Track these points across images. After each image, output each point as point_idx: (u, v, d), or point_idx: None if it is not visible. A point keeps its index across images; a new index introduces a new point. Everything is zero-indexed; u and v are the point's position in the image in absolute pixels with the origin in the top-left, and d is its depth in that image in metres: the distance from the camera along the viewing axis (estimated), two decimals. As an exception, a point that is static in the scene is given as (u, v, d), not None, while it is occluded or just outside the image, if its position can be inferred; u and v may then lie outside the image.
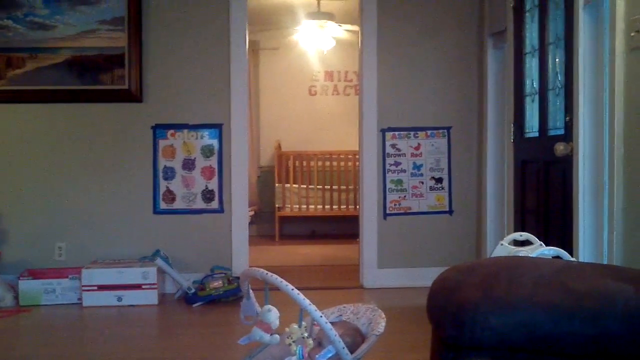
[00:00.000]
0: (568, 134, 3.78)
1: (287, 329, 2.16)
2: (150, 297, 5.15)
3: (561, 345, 1.93)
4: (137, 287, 5.14)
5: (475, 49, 5.71)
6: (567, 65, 3.83)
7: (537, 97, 4.35)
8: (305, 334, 2.14)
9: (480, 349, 1.99)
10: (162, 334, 4.69)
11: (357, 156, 6.60)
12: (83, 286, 5.12)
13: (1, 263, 5.42)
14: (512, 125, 4.68)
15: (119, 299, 5.13)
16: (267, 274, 2.11)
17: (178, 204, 5.62)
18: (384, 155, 5.70)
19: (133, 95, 5.53)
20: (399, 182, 5.70)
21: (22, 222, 5.55)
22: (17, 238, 5.53)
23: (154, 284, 5.16)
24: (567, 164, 3.78)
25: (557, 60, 4.09)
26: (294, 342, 2.14)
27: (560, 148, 3.77)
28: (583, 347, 1.92)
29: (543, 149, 4.15)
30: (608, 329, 1.90)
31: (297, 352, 2.14)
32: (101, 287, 5.12)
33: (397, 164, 5.70)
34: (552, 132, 4.12)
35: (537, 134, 4.34)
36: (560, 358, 1.93)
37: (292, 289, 2.05)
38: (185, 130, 5.60)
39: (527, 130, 4.53)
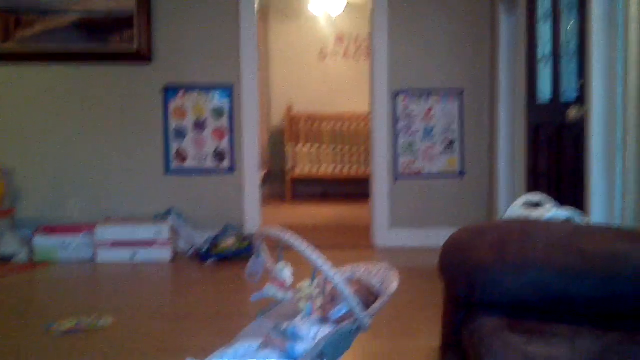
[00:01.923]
0: (581, 98, 3.78)
1: (297, 286, 2.20)
2: (163, 254, 5.22)
3: (573, 306, 1.97)
4: (151, 243, 5.21)
5: (488, 14, 5.67)
6: (581, 29, 3.81)
7: (550, 62, 4.34)
8: (315, 292, 2.17)
9: (491, 307, 2.03)
10: (175, 290, 4.77)
11: (368, 118, 6.59)
12: (97, 242, 5.19)
13: (15, 219, 5.49)
14: (524, 90, 4.67)
15: (133, 255, 5.20)
16: (282, 232, 2.13)
17: (189, 165, 5.65)
18: (396, 118, 5.70)
19: (142, 57, 5.53)
20: (411, 144, 5.71)
21: (36, 180, 5.62)
22: (31, 195, 5.60)
23: (167, 241, 5.23)
24: (580, 128, 3.78)
25: (570, 24, 4.07)
26: (303, 298, 2.17)
27: (573, 112, 3.77)
28: (594, 307, 1.96)
29: (556, 114, 4.14)
30: (619, 290, 1.94)
31: (306, 308, 2.17)
32: (115, 244, 5.19)
33: (408, 126, 5.70)
34: (565, 97, 4.11)
35: (550, 99, 4.33)
36: (571, 317, 1.96)
37: (307, 248, 2.07)
38: (196, 91, 5.61)
39: (539, 95, 4.52)
